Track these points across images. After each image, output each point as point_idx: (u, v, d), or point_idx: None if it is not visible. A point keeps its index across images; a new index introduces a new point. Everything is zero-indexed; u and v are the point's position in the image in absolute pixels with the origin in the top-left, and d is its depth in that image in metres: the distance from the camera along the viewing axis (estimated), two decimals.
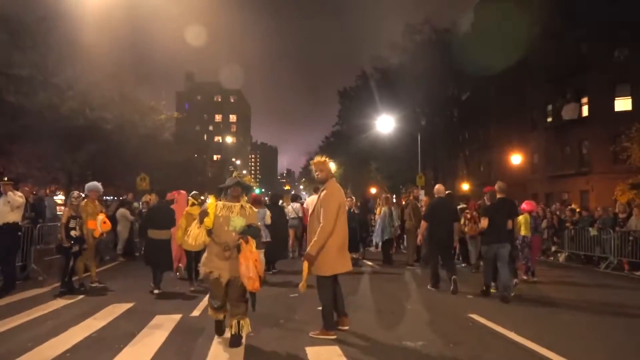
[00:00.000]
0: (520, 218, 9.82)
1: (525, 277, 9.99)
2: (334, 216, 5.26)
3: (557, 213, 16.51)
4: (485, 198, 9.40)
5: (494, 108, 37.01)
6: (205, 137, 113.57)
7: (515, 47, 33.72)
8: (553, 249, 15.65)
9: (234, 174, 5.73)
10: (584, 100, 27.62)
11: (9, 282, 8.43)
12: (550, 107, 31.15)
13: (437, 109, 42.07)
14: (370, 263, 12.62)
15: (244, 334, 5.13)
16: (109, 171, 24.58)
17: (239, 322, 5.08)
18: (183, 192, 10.25)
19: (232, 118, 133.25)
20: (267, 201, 12.74)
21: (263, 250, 8.96)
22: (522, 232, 9.92)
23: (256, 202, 10.26)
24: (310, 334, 5.50)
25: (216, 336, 5.44)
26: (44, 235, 12.01)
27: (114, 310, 6.84)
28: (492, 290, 8.28)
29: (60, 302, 7.48)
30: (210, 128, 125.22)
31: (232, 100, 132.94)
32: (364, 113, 43.12)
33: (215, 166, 68.56)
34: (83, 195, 8.91)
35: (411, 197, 12.35)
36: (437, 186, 9.55)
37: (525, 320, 6.50)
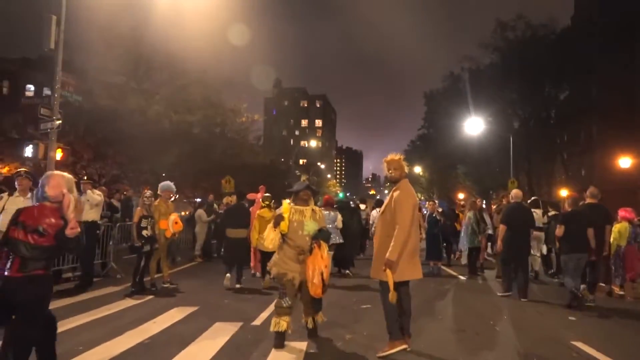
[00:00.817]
0: (617, 227, 9.05)
1: (619, 292, 9.03)
2: (410, 218, 4.89)
3: None
4: (566, 203, 8.73)
5: (597, 107, 33.79)
6: (291, 141, 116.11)
7: (621, 40, 30.66)
8: None
9: (302, 178, 5.65)
10: None
11: (86, 279, 8.59)
12: None
13: (531, 110, 39.33)
14: (454, 273, 11.61)
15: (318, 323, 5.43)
16: (195, 173, 25.36)
17: (314, 319, 5.38)
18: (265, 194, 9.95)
19: (318, 123, 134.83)
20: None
21: (332, 253, 8.93)
22: (621, 243, 9.05)
23: (328, 204, 10.29)
24: (377, 355, 4.87)
25: (273, 349, 5.01)
26: (127, 234, 12.35)
27: (176, 314, 6.60)
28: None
29: (128, 302, 7.41)
30: (297, 133, 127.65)
31: (317, 105, 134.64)
32: (451, 115, 41.38)
33: (301, 170, 69.99)
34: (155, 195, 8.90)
35: (504, 202, 11.14)
36: (514, 191, 9.09)
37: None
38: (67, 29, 11.90)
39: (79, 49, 18.25)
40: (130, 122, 17.22)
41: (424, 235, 12.58)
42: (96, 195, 8.80)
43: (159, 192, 9.01)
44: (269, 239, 5.24)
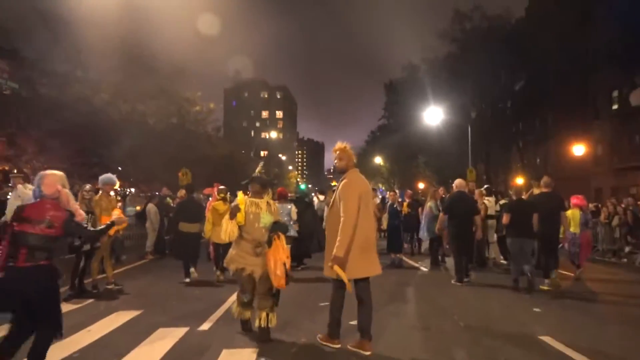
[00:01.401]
0: (569, 213, 9.42)
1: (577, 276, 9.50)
2: (355, 208, 4.60)
3: (631, 208, 14.60)
4: (512, 192, 9.65)
5: (551, 97, 34.50)
6: (252, 133, 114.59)
7: (574, 31, 31.30)
8: (627, 249, 13.81)
9: (257, 169, 5.70)
10: None
11: None
12: (616, 94, 28.46)
13: (488, 100, 39.93)
14: (415, 264, 11.36)
15: (272, 326, 5.10)
16: (150, 166, 24.31)
17: (267, 315, 5.10)
18: (221, 187, 9.68)
19: (279, 114, 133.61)
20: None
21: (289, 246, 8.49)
22: (571, 229, 9.49)
23: (281, 197, 10.04)
24: (317, 336, 4.99)
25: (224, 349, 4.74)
26: None
27: (115, 320, 5.97)
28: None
29: (64, 307, 6.70)
30: (257, 124, 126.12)
31: (278, 97, 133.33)
32: (410, 105, 41.58)
33: (260, 162, 69.12)
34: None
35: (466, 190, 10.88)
36: (457, 180, 9.44)
37: (608, 342, 5.15)
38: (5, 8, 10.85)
39: (18, 34, 16.96)
40: (76, 112, 16.13)
41: (384, 226, 12.34)
42: (28, 191, 7.97)
43: (99, 186, 8.28)
44: (226, 230, 5.15)
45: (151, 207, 12.61)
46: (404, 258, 11.61)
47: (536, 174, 35.01)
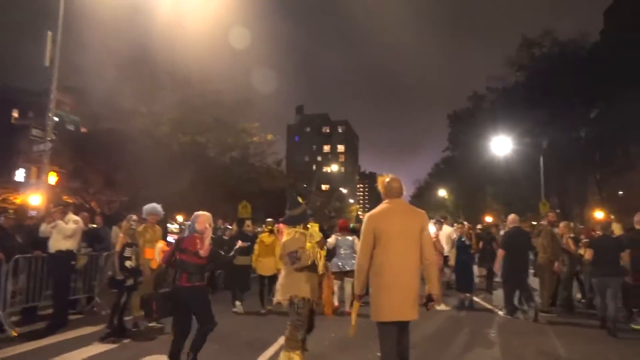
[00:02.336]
0: None
1: None
2: (365, 244, 4.27)
3: None
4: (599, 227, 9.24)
5: (633, 124, 31.84)
6: (314, 167, 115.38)
7: None
8: None
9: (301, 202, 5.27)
10: None
11: (58, 318, 7.46)
12: None
13: (560, 130, 37.56)
14: (489, 306, 10.09)
15: None
16: (211, 199, 24.39)
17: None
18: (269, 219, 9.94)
19: (340, 148, 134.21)
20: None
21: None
22: None
23: (342, 229, 9.82)
24: None
25: None
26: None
27: None
28: None
29: (97, 348, 6.22)
30: (319, 159, 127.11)
31: (340, 131, 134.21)
32: (476, 136, 39.99)
33: (322, 195, 69.02)
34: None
35: (546, 222, 9.66)
36: (511, 216, 9.71)
37: None
38: (67, 48, 11.14)
39: (79, 69, 17.62)
40: (138, 145, 16.37)
41: (451, 262, 11.28)
42: (70, 225, 7.72)
43: (143, 216, 7.91)
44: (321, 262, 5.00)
45: None
46: (476, 299, 10.38)
47: (617, 208, 32.17)
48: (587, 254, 7.98)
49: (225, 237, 12.99)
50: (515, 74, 39.04)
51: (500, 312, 9.33)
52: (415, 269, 4.23)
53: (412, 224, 4.28)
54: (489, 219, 42.07)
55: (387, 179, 4.48)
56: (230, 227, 15.43)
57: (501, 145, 31.10)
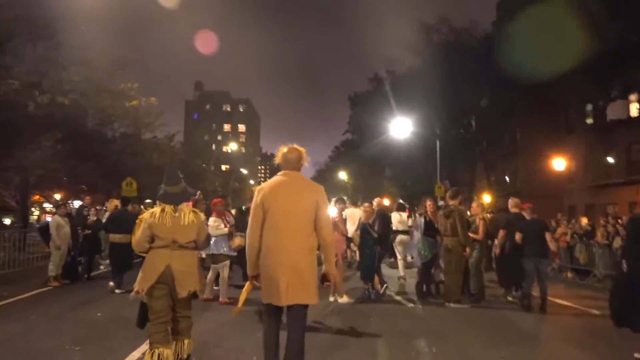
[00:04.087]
0: None
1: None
2: (252, 222, 3.99)
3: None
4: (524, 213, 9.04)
5: (519, 112, 33.60)
6: (213, 146, 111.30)
7: (543, 44, 30.54)
8: None
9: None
10: (633, 97, 24.00)
11: None
12: (590, 107, 27.57)
13: (452, 115, 38.81)
14: (397, 297, 9.15)
15: None
16: (84, 174, 21.50)
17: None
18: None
19: (241, 128, 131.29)
20: None
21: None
22: None
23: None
24: None
25: None
26: None
27: None
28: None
29: None
30: (219, 138, 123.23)
31: (241, 110, 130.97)
32: (376, 119, 40.15)
33: (221, 175, 66.93)
34: None
35: (455, 203, 8.69)
36: (515, 200, 9.24)
37: None
38: None
39: None
40: None
41: (353, 248, 10.29)
42: None
43: None
44: None
45: (58, 219, 9.94)
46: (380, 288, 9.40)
47: (504, 191, 33.92)
48: (518, 236, 8.32)
49: (92, 218, 10.98)
50: (414, 58, 39.66)
51: (411, 304, 8.44)
52: (307, 249, 3.87)
53: (306, 199, 3.94)
54: (386, 201, 42.69)
55: (285, 149, 4.12)
56: (101, 207, 13.33)
57: (399, 128, 31.21)
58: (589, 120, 27.88)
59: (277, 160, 4.16)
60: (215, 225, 8.09)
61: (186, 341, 4.39)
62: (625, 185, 23.65)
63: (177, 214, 4.36)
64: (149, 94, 20.30)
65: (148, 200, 9.05)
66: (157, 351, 4.08)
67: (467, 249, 8.30)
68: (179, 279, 4.20)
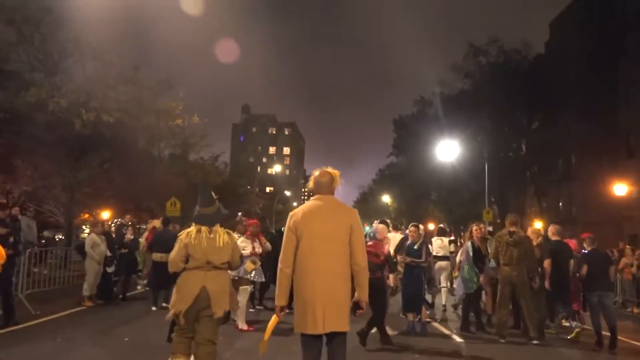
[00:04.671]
0: None
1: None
2: (285, 247, 3.84)
3: None
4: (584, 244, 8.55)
5: (574, 135, 32.04)
6: (259, 169, 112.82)
7: (599, 65, 29.23)
8: None
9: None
10: None
11: None
12: None
13: (502, 140, 37.46)
14: (446, 331, 8.41)
15: None
16: (130, 192, 21.79)
17: None
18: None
19: (286, 150, 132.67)
20: None
21: None
22: None
23: None
24: None
25: None
26: None
27: None
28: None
29: None
30: (264, 160, 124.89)
31: (286, 133, 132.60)
32: (421, 142, 39.39)
33: (265, 197, 67.86)
34: None
35: (518, 230, 7.84)
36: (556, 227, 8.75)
37: None
38: None
39: None
40: (32, 121, 13.65)
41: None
42: None
43: None
44: None
45: (94, 238, 9.83)
46: (429, 320, 8.64)
47: (557, 218, 32.16)
48: (584, 269, 7.79)
49: (129, 237, 10.87)
50: (462, 80, 38.86)
51: (458, 339, 7.69)
52: (341, 275, 3.74)
53: (340, 223, 3.83)
54: (431, 226, 41.43)
55: (317, 172, 4.02)
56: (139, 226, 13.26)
57: (446, 150, 30.31)
58: None
59: (310, 184, 4.08)
60: (242, 246, 7.67)
61: None
62: None
63: (212, 235, 4.36)
64: (195, 114, 20.48)
65: None
66: (175, 359, 4.20)
67: (537, 280, 7.66)
68: (215, 300, 4.20)
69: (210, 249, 4.29)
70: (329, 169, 4.03)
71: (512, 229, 7.74)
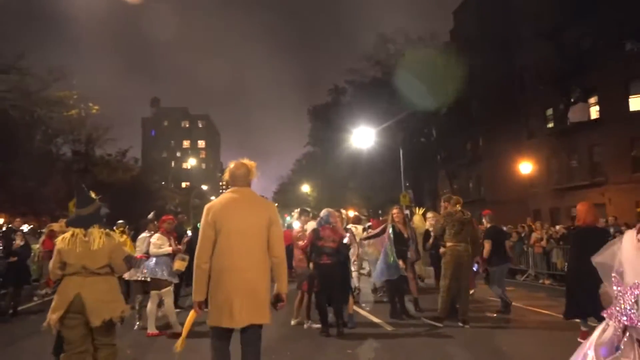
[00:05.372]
0: None
1: None
2: (202, 242, 3.75)
3: None
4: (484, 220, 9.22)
5: (479, 119, 33.76)
6: (172, 164, 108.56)
7: (501, 51, 30.85)
8: None
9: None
10: (592, 100, 24.26)
11: None
12: (550, 111, 27.83)
13: (413, 126, 38.76)
14: (375, 319, 8.16)
15: None
16: (25, 194, 19.77)
17: None
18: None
19: (201, 144, 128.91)
20: None
21: None
22: None
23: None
24: None
25: None
26: None
27: None
28: None
29: None
30: (178, 154, 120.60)
31: (200, 126, 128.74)
32: (336, 130, 39.70)
33: (181, 193, 65.65)
34: None
35: (452, 205, 7.67)
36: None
37: None
38: None
39: None
40: None
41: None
42: None
43: None
44: None
45: None
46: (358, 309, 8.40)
47: (468, 198, 33.80)
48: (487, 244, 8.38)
49: (18, 242, 9.60)
50: (374, 68, 39.66)
51: (389, 328, 7.48)
52: (260, 270, 3.75)
53: (259, 217, 3.84)
54: (350, 213, 41.95)
55: (232, 165, 4.00)
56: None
57: (361, 138, 30.77)
58: (550, 125, 28.09)
59: (226, 176, 4.08)
60: (159, 244, 7.03)
61: None
62: (589, 187, 23.80)
63: (86, 238, 4.12)
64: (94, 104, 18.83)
65: (120, 221, 9.00)
66: None
67: (480, 260, 8.46)
68: (91, 308, 3.97)
69: (84, 253, 4.07)
70: (245, 161, 3.99)
71: (451, 208, 7.66)
